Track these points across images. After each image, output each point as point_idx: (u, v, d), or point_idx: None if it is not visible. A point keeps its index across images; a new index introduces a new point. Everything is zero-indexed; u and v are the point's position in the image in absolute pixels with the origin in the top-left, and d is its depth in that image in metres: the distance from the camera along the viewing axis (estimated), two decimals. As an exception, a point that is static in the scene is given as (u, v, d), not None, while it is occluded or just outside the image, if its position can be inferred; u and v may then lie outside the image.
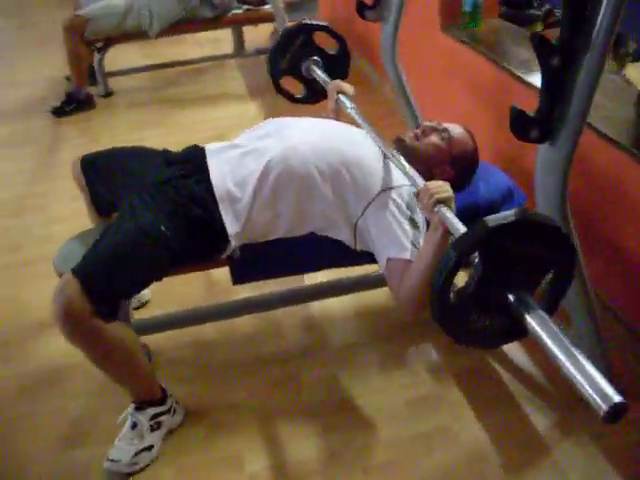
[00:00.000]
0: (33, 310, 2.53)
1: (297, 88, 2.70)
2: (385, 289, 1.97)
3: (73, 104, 4.34)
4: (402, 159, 1.91)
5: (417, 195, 1.71)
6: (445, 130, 2.01)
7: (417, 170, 1.97)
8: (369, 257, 1.87)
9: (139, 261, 1.75)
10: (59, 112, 4.33)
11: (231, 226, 1.84)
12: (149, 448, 1.91)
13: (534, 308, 1.31)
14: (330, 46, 2.61)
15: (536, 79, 2.34)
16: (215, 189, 1.86)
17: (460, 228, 1.46)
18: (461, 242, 1.31)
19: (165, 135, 3.94)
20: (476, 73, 2.90)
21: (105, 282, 1.69)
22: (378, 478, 1.81)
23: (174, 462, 1.91)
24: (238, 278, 1.97)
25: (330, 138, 1.93)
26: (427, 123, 2.05)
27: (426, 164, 2.00)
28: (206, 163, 1.93)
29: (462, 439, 1.90)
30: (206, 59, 4.94)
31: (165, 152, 2.11)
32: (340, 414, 2.01)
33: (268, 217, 1.87)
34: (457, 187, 2.04)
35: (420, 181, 1.73)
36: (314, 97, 2.65)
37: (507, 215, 1.31)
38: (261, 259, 1.96)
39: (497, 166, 2.30)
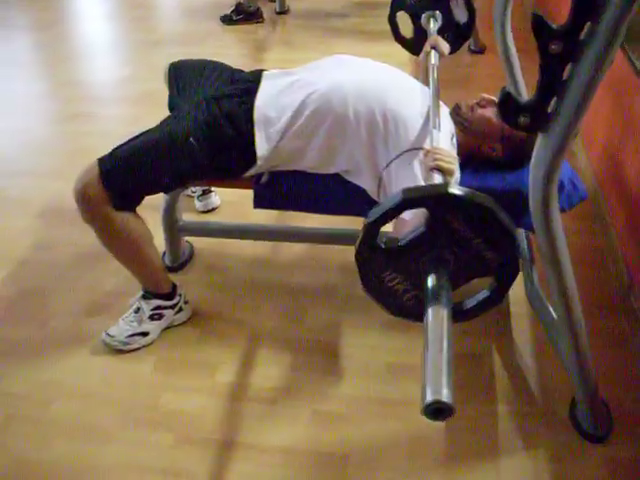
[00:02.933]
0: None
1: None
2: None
3: (241, 15, 4.52)
4: (443, 126, 1.87)
5: (425, 154, 1.70)
6: None
7: (465, 141, 1.92)
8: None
9: (157, 165, 1.86)
10: (227, 20, 4.53)
11: (260, 147, 1.90)
12: (144, 334, 2.08)
13: (441, 303, 1.25)
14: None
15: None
16: (255, 111, 1.91)
17: None
18: (413, 190, 1.28)
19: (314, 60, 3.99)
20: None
21: (121, 176, 1.83)
22: (321, 423, 1.84)
23: (159, 352, 2.07)
24: (259, 202, 2.03)
25: (380, 85, 1.91)
26: (486, 95, 1.96)
27: (474, 137, 1.94)
28: (258, 86, 1.99)
29: (417, 417, 1.82)
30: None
31: (236, 71, 2.19)
32: (321, 356, 2.05)
33: (298, 146, 1.91)
34: (505, 167, 1.96)
35: (437, 145, 1.70)
36: (417, 48, 2.57)
37: (474, 193, 1.25)
38: (285, 190, 2.00)
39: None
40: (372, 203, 1.92)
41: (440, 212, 1.29)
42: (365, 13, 4.83)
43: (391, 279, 1.38)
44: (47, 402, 1.94)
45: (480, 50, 4.01)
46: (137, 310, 2.09)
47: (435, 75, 2.05)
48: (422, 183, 1.73)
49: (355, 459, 1.76)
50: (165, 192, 2.08)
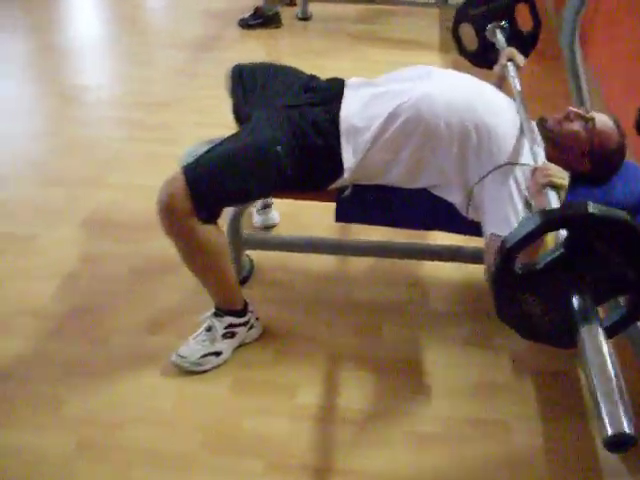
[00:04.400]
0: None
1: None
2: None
3: (259, 19, 4.45)
4: (538, 138, 1.83)
5: (533, 172, 1.65)
6: (591, 120, 1.85)
7: (552, 155, 1.87)
8: (477, 229, 1.79)
9: (245, 175, 1.79)
10: (245, 24, 4.46)
11: (347, 159, 1.84)
12: (217, 354, 1.98)
13: (594, 322, 1.19)
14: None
15: None
16: (341, 121, 1.86)
17: None
18: (553, 212, 1.22)
19: (342, 69, 3.89)
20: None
21: (208, 186, 1.75)
22: (416, 446, 1.77)
23: (234, 373, 1.97)
24: (341, 216, 1.95)
25: (470, 96, 1.85)
26: (573, 109, 1.90)
27: (562, 151, 1.88)
28: (340, 95, 1.93)
29: (514, 438, 1.79)
30: (410, 3, 4.83)
31: (310, 78, 2.12)
32: (405, 375, 1.98)
33: (385, 159, 1.84)
34: (591, 182, 1.90)
35: (539, 160, 1.67)
36: (481, 60, 2.52)
37: (615, 212, 1.20)
38: (368, 203, 1.93)
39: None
40: (460, 218, 1.85)
41: (581, 232, 1.23)
42: (393, 21, 4.77)
43: (528, 303, 1.32)
44: (118, 427, 1.82)
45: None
46: (209, 328, 1.99)
47: (520, 88, 2.00)
48: (518, 202, 1.69)
49: (457, 485, 1.69)
50: (246, 203, 2.00)
